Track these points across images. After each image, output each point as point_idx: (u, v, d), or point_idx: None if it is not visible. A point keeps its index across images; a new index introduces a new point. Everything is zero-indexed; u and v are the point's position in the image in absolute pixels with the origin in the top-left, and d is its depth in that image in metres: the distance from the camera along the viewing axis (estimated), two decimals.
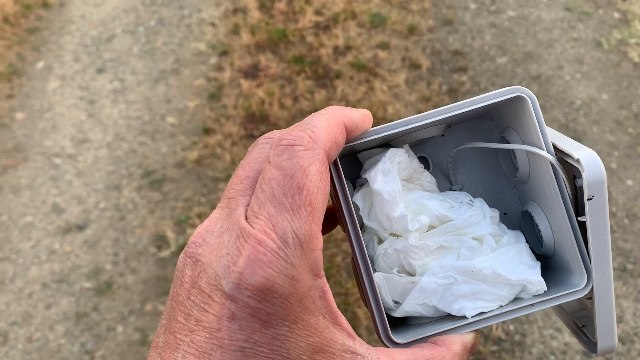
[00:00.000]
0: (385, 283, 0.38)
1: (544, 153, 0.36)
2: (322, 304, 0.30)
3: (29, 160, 2.26)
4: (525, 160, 0.40)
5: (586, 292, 0.36)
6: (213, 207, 2.06)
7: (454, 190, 0.44)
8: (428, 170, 0.44)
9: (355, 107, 0.39)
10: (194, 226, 2.00)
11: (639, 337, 1.66)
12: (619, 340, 1.68)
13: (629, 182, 1.99)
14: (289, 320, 0.28)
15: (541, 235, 0.39)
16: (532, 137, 0.37)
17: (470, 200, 0.41)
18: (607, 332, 0.37)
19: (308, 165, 0.29)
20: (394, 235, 0.39)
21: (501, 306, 0.37)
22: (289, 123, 2.22)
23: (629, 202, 1.93)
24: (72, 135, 2.34)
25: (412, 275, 0.38)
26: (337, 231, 1.91)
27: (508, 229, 0.41)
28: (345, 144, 0.34)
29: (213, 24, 2.71)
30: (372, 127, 0.36)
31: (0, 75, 2.56)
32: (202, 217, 2.03)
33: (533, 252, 0.40)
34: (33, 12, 2.84)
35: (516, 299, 0.38)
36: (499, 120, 0.42)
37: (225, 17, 2.72)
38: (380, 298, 0.35)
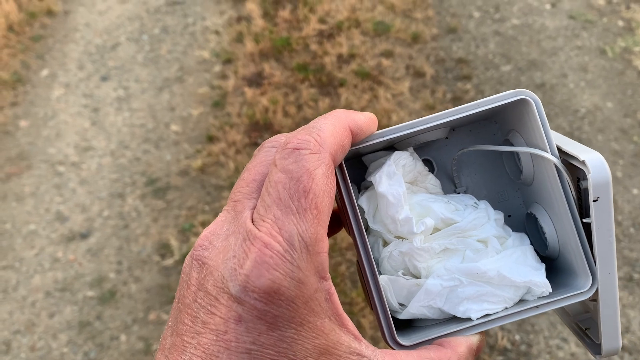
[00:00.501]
0: (391, 285, 0.38)
1: (549, 155, 0.36)
2: (328, 306, 0.30)
3: (32, 168, 2.26)
4: (530, 163, 0.40)
5: (591, 293, 0.36)
6: (217, 215, 2.05)
7: (459, 193, 0.44)
8: (432, 172, 0.44)
9: None
10: (197, 234, 2.00)
11: None
12: (625, 350, 1.67)
13: (635, 191, 1.98)
14: (296, 323, 0.28)
15: (545, 237, 0.40)
16: (536, 139, 0.37)
17: (475, 203, 0.41)
18: (612, 333, 0.37)
19: (314, 169, 0.29)
20: (399, 237, 0.39)
21: (506, 308, 0.37)
22: (292, 131, 2.22)
23: (634, 211, 1.92)
24: (76, 143, 2.34)
25: (418, 278, 0.38)
26: (342, 240, 1.90)
27: (512, 231, 0.41)
28: (351, 147, 0.34)
29: (217, 32, 2.71)
30: (377, 131, 0.36)
31: (4, 83, 2.56)
32: (205, 225, 2.02)
33: (537, 254, 0.40)
34: (38, 20, 2.85)
35: (521, 301, 0.38)
36: (503, 123, 0.43)
37: (229, 25, 2.72)
38: (385, 300, 0.35)
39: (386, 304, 0.35)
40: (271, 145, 0.33)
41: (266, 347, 0.28)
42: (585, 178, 0.34)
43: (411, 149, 0.41)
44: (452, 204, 0.40)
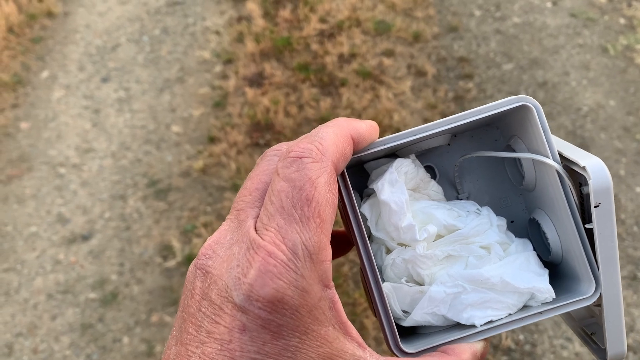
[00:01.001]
0: (394, 293, 0.38)
1: (550, 161, 0.36)
2: (332, 314, 0.30)
3: (33, 170, 2.26)
4: (532, 169, 0.40)
5: (595, 299, 0.36)
6: (219, 216, 2.05)
7: (461, 199, 0.44)
8: (434, 179, 0.44)
9: (361, 115, 0.41)
10: (199, 236, 1.99)
11: None
12: (630, 349, 1.66)
13: (638, 189, 1.97)
14: (300, 332, 0.28)
15: (548, 242, 0.40)
16: (537, 145, 0.37)
17: (477, 209, 0.41)
18: (617, 338, 0.37)
19: (316, 177, 0.29)
20: (402, 245, 0.39)
21: (510, 314, 0.37)
22: (294, 131, 2.21)
23: (638, 209, 1.91)
24: (77, 144, 2.33)
25: (421, 285, 0.38)
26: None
27: (515, 237, 0.41)
28: (353, 155, 0.34)
29: (217, 32, 2.71)
30: (379, 136, 0.36)
31: (5, 85, 2.56)
32: (207, 226, 2.02)
33: (540, 259, 0.40)
34: (38, 22, 2.84)
35: (525, 307, 0.38)
36: (504, 129, 0.43)
37: (229, 25, 2.71)
38: (389, 308, 0.35)
39: (390, 311, 0.35)
40: (273, 154, 0.33)
41: (270, 356, 0.28)
42: (587, 183, 0.34)
43: (413, 156, 0.41)
44: (455, 210, 0.40)
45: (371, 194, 0.40)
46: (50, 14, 2.88)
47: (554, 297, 0.37)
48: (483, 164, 0.44)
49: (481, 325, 0.36)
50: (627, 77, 2.31)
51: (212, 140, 2.27)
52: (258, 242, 0.28)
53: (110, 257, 1.98)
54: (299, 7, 2.70)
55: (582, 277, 0.37)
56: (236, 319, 0.28)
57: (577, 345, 1.64)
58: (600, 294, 0.36)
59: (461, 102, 2.27)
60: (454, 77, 2.38)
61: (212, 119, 2.35)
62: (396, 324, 0.36)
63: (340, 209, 0.38)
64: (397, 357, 0.34)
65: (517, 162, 0.42)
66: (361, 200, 0.42)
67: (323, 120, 2.21)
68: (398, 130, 0.38)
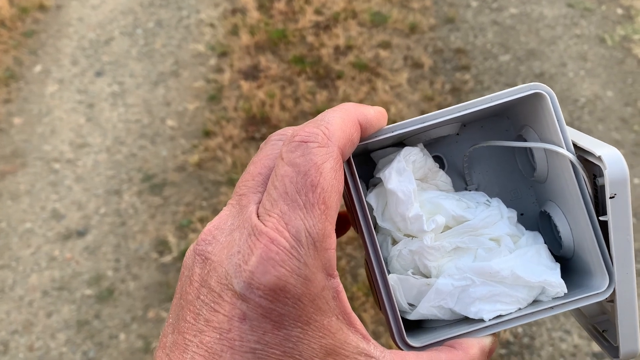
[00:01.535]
0: (400, 285, 0.37)
1: (564, 151, 0.35)
2: (336, 304, 0.29)
3: (27, 166, 2.23)
4: (544, 159, 0.38)
5: (608, 294, 0.35)
6: (215, 211, 2.04)
7: (470, 190, 0.43)
8: (443, 169, 0.43)
9: None
10: (196, 231, 1.98)
11: None
12: None
13: (636, 181, 1.96)
14: (302, 322, 0.27)
15: (560, 236, 0.38)
16: (550, 135, 0.36)
17: (487, 200, 0.40)
18: (630, 335, 0.35)
19: (322, 163, 0.28)
20: (408, 236, 0.38)
21: (520, 309, 0.36)
22: (290, 125, 2.19)
23: (636, 201, 1.91)
24: (71, 139, 2.31)
25: (428, 277, 0.37)
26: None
27: (526, 229, 0.40)
28: (359, 142, 0.33)
29: (212, 25, 2.68)
30: (387, 126, 0.36)
31: None
32: (203, 221, 2.00)
33: (552, 253, 0.38)
34: (30, 15, 2.81)
35: (535, 302, 0.36)
36: (515, 119, 0.41)
37: (224, 18, 2.69)
38: (395, 300, 0.34)
39: (395, 304, 0.34)
40: (278, 139, 0.32)
41: (271, 346, 0.27)
42: (601, 175, 0.33)
43: (421, 145, 0.40)
44: (464, 201, 0.39)
45: (377, 183, 0.39)
46: (42, 7, 2.85)
47: (566, 291, 0.36)
48: (493, 155, 0.43)
49: (490, 320, 0.35)
50: (624, 68, 2.29)
51: (208, 134, 2.25)
52: (260, 228, 0.27)
53: (105, 253, 1.96)
54: None
55: (594, 271, 0.36)
56: (236, 308, 0.27)
57: (576, 338, 1.63)
58: (614, 289, 0.34)
59: (458, 94, 2.26)
60: (450, 69, 2.36)
61: (207, 113, 2.33)
62: (402, 317, 0.35)
63: (345, 197, 0.37)
64: (402, 350, 0.33)
65: (528, 152, 0.41)
66: (367, 189, 0.41)
67: (319, 113, 2.19)
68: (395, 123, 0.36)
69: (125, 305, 1.83)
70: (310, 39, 2.51)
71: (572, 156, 0.35)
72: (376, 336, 1.62)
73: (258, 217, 0.28)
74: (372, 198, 0.39)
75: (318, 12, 2.61)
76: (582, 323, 0.42)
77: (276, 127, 2.21)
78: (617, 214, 0.33)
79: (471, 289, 0.35)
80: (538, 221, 0.42)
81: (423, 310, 0.36)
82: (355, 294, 1.74)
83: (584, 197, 0.35)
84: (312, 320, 0.27)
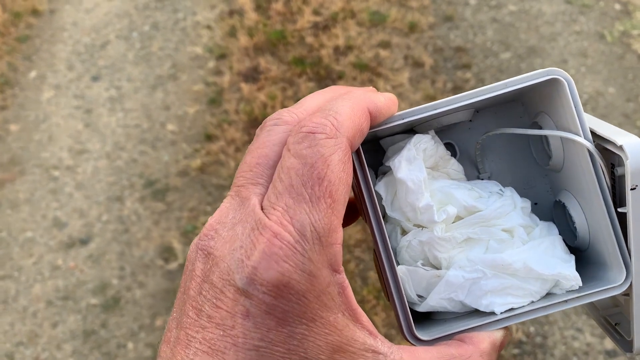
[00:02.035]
0: (409, 276, 0.36)
1: (581, 140, 0.33)
2: (342, 300, 0.28)
3: (26, 174, 2.20)
4: (560, 148, 0.37)
5: (625, 288, 0.33)
6: None
7: (482, 179, 0.42)
8: (455, 157, 0.41)
9: None
10: None
11: None
12: None
13: None
14: (307, 318, 0.27)
15: (575, 227, 0.37)
16: (567, 122, 0.34)
17: (500, 190, 0.39)
18: None
19: (330, 155, 0.27)
20: (418, 226, 0.37)
21: (532, 302, 0.35)
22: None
23: None
24: (70, 146, 2.28)
25: (438, 269, 0.36)
26: (349, 237, 1.87)
27: (540, 220, 0.39)
28: (369, 130, 0.32)
29: (209, 27, 2.65)
30: (397, 113, 0.34)
31: None
32: None
33: (566, 244, 0.37)
34: (23, 20, 2.77)
35: (548, 295, 0.35)
36: (530, 105, 0.40)
37: (221, 20, 2.66)
38: (403, 292, 0.33)
39: (404, 295, 0.33)
40: (273, 124, 0.31)
41: (275, 343, 0.26)
42: (620, 164, 0.32)
43: (432, 132, 0.39)
44: (476, 190, 0.38)
45: (387, 171, 0.38)
46: (35, 12, 2.81)
47: (581, 284, 0.35)
48: (507, 142, 0.42)
49: (501, 313, 0.34)
50: (625, 64, 2.30)
51: (209, 138, 2.22)
52: (264, 222, 0.26)
53: (110, 261, 1.94)
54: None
55: (611, 264, 0.35)
56: (239, 304, 0.26)
57: (588, 336, 1.63)
58: (631, 282, 0.33)
59: (460, 92, 2.24)
60: (451, 68, 2.36)
61: (208, 116, 2.30)
62: (411, 309, 0.34)
63: (354, 186, 0.36)
64: (411, 344, 0.33)
65: (543, 140, 0.39)
66: (376, 178, 0.40)
67: None
68: None
69: (132, 314, 1.81)
70: (309, 39, 2.49)
71: (590, 145, 0.33)
72: (389, 339, 1.61)
73: (262, 209, 0.27)
74: (381, 187, 0.38)
75: (316, 12, 2.59)
76: (593, 315, 0.41)
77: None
78: (638, 206, 0.31)
79: (482, 281, 0.35)
80: (552, 211, 0.41)
81: (433, 302, 0.35)
82: (365, 297, 1.73)
83: (602, 188, 0.34)
84: (317, 317, 0.27)
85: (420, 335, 0.33)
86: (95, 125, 2.34)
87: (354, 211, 0.41)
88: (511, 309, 0.34)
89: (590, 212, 0.36)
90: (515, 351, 1.63)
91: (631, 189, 0.31)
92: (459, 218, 0.37)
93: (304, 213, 0.26)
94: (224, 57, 2.51)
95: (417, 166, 0.35)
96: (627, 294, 0.34)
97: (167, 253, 1.93)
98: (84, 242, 1.99)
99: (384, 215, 0.38)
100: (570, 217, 0.38)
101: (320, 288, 0.27)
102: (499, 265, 0.34)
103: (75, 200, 2.11)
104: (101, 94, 2.46)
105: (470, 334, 0.33)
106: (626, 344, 0.37)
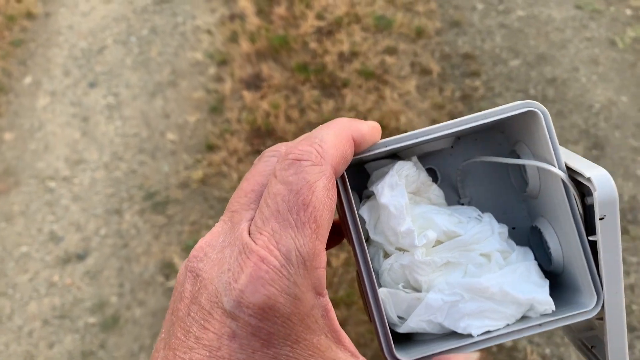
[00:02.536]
0: (390, 298, 0.37)
1: (556, 170, 0.35)
2: (325, 323, 0.29)
3: (21, 185, 2.12)
4: (536, 176, 0.39)
5: (596, 312, 0.35)
6: None
7: (462, 204, 0.44)
8: (436, 182, 0.43)
9: (366, 118, 0.39)
10: None
11: None
12: None
13: None
14: (291, 340, 0.27)
15: (550, 252, 0.39)
16: (543, 152, 0.36)
17: (479, 215, 0.40)
18: (619, 354, 0.36)
19: (315, 181, 0.28)
20: (400, 249, 0.38)
21: (508, 325, 0.36)
22: (296, 136, 2.10)
23: None
24: (66, 155, 2.20)
25: (418, 291, 0.37)
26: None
27: (516, 244, 0.40)
28: (353, 156, 0.33)
29: (209, 32, 2.58)
30: (382, 137, 0.36)
31: None
32: None
33: (541, 268, 0.39)
34: (17, 24, 2.69)
35: (523, 318, 0.37)
36: (510, 133, 0.42)
37: (221, 24, 2.59)
38: (384, 313, 0.35)
39: (385, 317, 0.35)
40: (271, 155, 0.32)
41: None
42: (590, 194, 0.34)
43: (415, 158, 0.40)
44: (456, 216, 0.39)
45: (371, 195, 0.40)
46: (30, 15, 2.73)
47: (554, 309, 0.36)
48: (486, 169, 0.43)
49: (478, 335, 0.35)
50: (637, 72, 2.24)
51: (211, 148, 2.15)
52: (251, 247, 0.27)
53: (108, 278, 1.87)
54: (295, 3, 2.58)
55: (583, 289, 0.36)
56: (225, 326, 0.27)
57: None
58: (603, 307, 0.35)
59: (469, 101, 2.19)
60: (459, 75, 2.29)
61: (209, 125, 2.23)
62: (391, 330, 0.35)
63: (338, 210, 0.37)
64: None
65: (521, 168, 0.41)
66: (360, 201, 0.41)
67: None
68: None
69: (131, 334, 1.74)
70: (313, 45, 2.42)
71: (563, 175, 0.35)
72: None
73: (249, 234, 0.28)
74: (364, 211, 0.39)
75: (320, 16, 2.52)
76: (570, 338, 0.42)
77: (282, 140, 2.12)
78: (607, 234, 0.33)
79: (460, 304, 0.36)
80: (529, 236, 0.42)
81: (413, 324, 0.37)
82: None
83: (574, 216, 0.35)
84: (301, 339, 0.28)
85: (400, 355, 0.34)
86: (93, 134, 2.27)
87: (338, 234, 0.42)
88: (487, 332, 0.35)
89: (564, 238, 0.37)
90: None
91: (600, 219, 0.32)
92: (439, 242, 0.38)
93: (290, 238, 0.27)
94: (225, 63, 2.44)
95: (399, 192, 0.36)
96: (601, 317, 0.35)
97: (168, 269, 1.86)
98: (81, 257, 1.92)
99: (367, 239, 0.40)
100: (546, 242, 0.39)
101: (305, 311, 0.28)
102: (476, 289, 0.35)
103: (72, 213, 2.03)
104: (98, 101, 2.38)
105: (448, 356, 0.34)
106: None
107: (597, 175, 0.33)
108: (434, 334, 0.37)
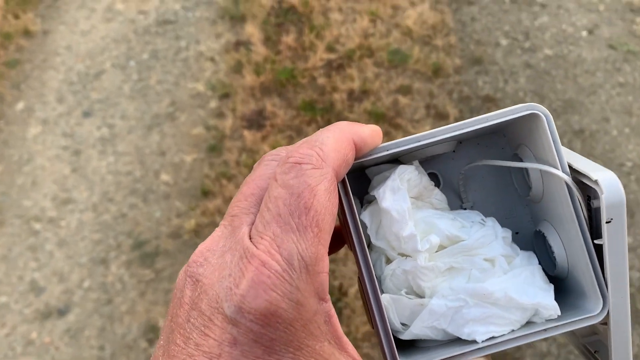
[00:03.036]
0: (393, 305, 0.37)
1: (559, 172, 0.35)
2: (328, 329, 0.29)
3: (5, 225, 2.00)
4: (539, 179, 0.38)
5: (601, 317, 0.34)
6: None
7: (465, 208, 0.43)
8: (438, 187, 0.42)
9: None
10: None
11: None
12: None
13: None
14: (293, 347, 0.27)
15: (554, 256, 0.38)
16: (546, 155, 0.36)
17: (482, 220, 0.39)
18: (623, 359, 0.35)
19: (316, 185, 0.28)
20: (402, 255, 0.37)
21: (513, 330, 0.35)
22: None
23: None
24: (55, 193, 2.08)
25: (421, 297, 0.37)
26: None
27: (520, 249, 0.39)
28: (354, 161, 0.33)
29: (212, 60, 2.43)
30: (382, 144, 0.35)
31: None
32: None
33: (546, 274, 0.38)
34: (13, 42, 2.56)
35: (528, 323, 0.36)
36: (512, 137, 0.41)
37: (226, 52, 2.43)
38: (387, 320, 0.34)
39: (388, 323, 0.34)
40: (271, 159, 0.32)
41: None
42: (596, 197, 0.33)
43: (416, 163, 0.40)
44: (459, 220, 0.39)
45: (372, 200, 0.39)
46: (27, 33, 2.59)
47: (559, 314, 0.36)
48: (489, 173, 0.43)
49: (483, 342, 0.35)
50: None
51: (206, 194, 2.01)
52: (252, 251, 0.27)
53: (89, 338, 1.74)
54: (304, 32, 2.41)
55: (588, 294, 0.36)
56: (226, 332, 0.26)
57: None
58: (608, 312, 0.34)
59: None
60: None
61: (206, 168, 2.09)
62: (394, 337, 0.35)
63: (339, 215, 0.37)
64: None
65: (524, 172, 0.41)
66: (361, 206, 0.41)
67: None
68: None
69: None
70: (321, 80, 2.26)
71: (567, 178, 0.35)
72: None
73: (250, 239, 0.28)
74: (366, 216, 0.39)
75: (330, 48, 2.35)
76: (573, 342, 0.42)
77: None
78: (613, 238, 0.33)
79: (464, 310, 0.35)
80: (533, 240, 0.42)
81: (416, 331, 0.36)
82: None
83: (579, 220, 0.35)
84: (303, 345, 0.27)
85: None
86: (84, 170, 2.14)
87: (340, 239, 0.41)
88: (492, 337, 0.35)
89: (568, 242, 0.37)
90: None
91: (606, 222, 0.32)
92: (442, 247, 0.38)
93: (292, 242, 0.27)
94: (227, 97, 2.29)
95: (401, 196, 0.36)
96: (606, 322, 0.35)
97: (152, 333, 1.73)
98: (62, 312, 1.79)
99: (369, 244, 0.39)
100: (550, 247, 0.39)
101: (307, 317, 0.27)
102: (480, 294, 0.35)
103: (56, 261, 1.91)
104: (92, 132, 2.25)
105: None
106: None
107: (605, 178, 0.32)
108: (437, 340, 0.37)
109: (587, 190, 0.35)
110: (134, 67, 2.45)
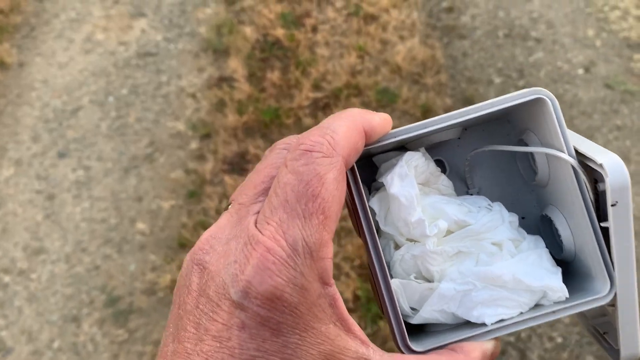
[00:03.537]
0: (403, 289, 0.37)
1: (565, 156, 0.35)
2: (333, 311, 0.29)
3: None
4: (545, 164, 0.39)
5: (609, 298, 0.35)
6: None
7: (471, 194, 0.43)
8: (444, 173, 0.42)
9: None
10: None
11: None
12: None
13: None
14: (300, 329, 0.28)
15: (561, 240, 0.38)
16: (552, 139, 0.35)
17: (489, 205, 0.40)
18: (631, 340, 0.35)
19: (325, 173, 0.29)
20: (411, 240, 0.38)
21: (521, 313, 0.36)
22: None
23: None
24: (26, 242, 1.98)
25: (430, 282, 0.37)
26: None
27: (527, 233, 0.39)
28: (364, 148, 0.33)
29: (194, 96, 2.33)
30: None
31: None
32: None
33: (553, 257, 0.38)
34: None
35: (537, 306, 0.36)
36: (517, 123, 0.41)
37: (208, 88, 2.34)
38: (397, 305, 0.35)
39: (398, 308, 0.35)
40: (283, 147, 0.32)
41: (270, 353, 0.27)
42: (602, 180, 0.33)
43: (423, 149, 0.40)
44: (466, 205, 0.39)
45: (380, 187, 0.40)
46: (2, 65, 2.50)
47: (567, 296, 0.36)
48: (494, 159, 0.43)
49: (492, 324, 0.35)
50: None
51: (183, 246, 1.91)
52: (257, 237, 0.28)
53: None
54: (290, 69, 2.32)
55: (596, 275, 0.36)
56: (234, 316, 0.27)
57: None
58: (615, 294, 0.34)
59: None
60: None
61: (184, 216, 1.99)
62: (404, 321, 0.35)
63: (348, 202, 0.37)
64: (402, 354, 0.34)
65: (529, 157, 0.41)
66: (369, 193, 0.41)
67: None
68: None
69: None
70: (307, 121, 2.16)
71: (573, 161, 0.35)
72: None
73: (256, 224, 0.28)
74: (374, 203, 0.39)
75: (317, 86, 2.25)
76: (583, 324, 0.43)
77: None
78: (619, 221, 0.33)
79: (473, 293, 0.36)
80: (539, 225, 0.42)
81: (426, 315, 0.37)
82: None
83: (585, 203, 0.35)
84: (309, 328, 0.28)
85: (414, 346, 0.34)
86: (57, 216, 2.04)
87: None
88: (501, 320, 0.35)
89: (575, 226, 0.37)
90: None
91: (612, 205, 0.32)
92: (449, 232, 0.38)
93: (297, 228, 0.28)
94: (208, 137, 2.19)
95: (409, 182, 0.37)
96: (613, 304, 0.35)
97: None
98: None
99: (378, 230, 0.39)
100: (557, 230, 0.39)
101: (312, 300, 0.28)
102: (489, 278, 0.35)
103: (25, 318, 1.81)
104: (67, 175, 2.15)
105: (462, 344, 0.34)
106: (614, 353, 0.38)
107: (609, 161, 0.32)
108: (447, 324, 0.37)
109: (592, 174, 0.35)
110: (112, 104, 2.35)
